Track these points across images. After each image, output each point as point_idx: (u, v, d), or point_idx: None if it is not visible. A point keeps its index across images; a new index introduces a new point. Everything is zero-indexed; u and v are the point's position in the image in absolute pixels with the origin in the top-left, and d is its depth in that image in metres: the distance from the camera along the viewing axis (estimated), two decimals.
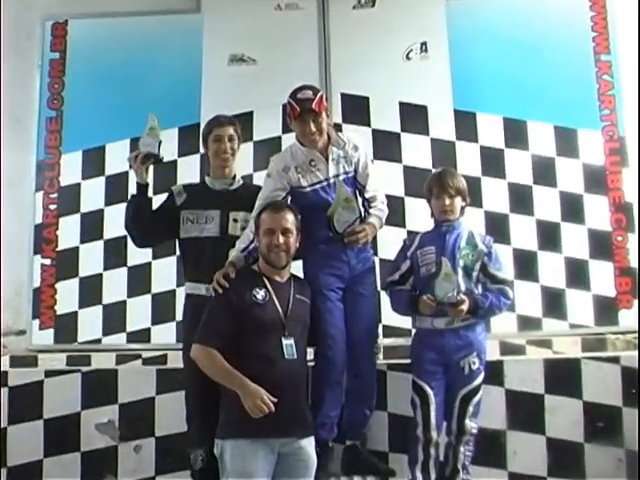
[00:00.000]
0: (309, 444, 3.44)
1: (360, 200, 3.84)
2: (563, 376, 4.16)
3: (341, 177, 3.77)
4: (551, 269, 4.72)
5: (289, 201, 3.75)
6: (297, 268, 3.75)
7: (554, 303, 4.68)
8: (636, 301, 4.59)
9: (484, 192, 4.80)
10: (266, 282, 3.51)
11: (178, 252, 4.12)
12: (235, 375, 3.33)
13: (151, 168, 3.91)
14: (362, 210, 3.80)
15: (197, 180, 4.40)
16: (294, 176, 3.76)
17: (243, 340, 3.41)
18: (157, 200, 3.99)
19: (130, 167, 3.98)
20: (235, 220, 3.81)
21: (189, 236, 3.85)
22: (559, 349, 4.53)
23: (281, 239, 3.49)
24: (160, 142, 3.83)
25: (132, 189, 3.97)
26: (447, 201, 3.76)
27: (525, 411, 4.14)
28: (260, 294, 3.47)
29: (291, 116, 3.76)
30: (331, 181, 3.76)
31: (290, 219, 3.54)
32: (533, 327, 4.66)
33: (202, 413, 3.62)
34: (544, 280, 4.71)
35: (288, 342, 3.42)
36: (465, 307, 3.63)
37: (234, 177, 3.97)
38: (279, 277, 3.55)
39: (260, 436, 3.30)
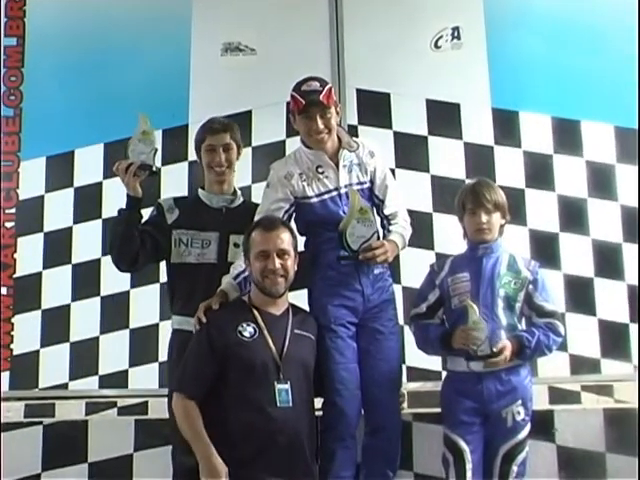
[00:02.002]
0: None
1: (378, 218, 3.79)
2: (627, 430, 4.05)
3: (354, 187, 3.71)
4: (611, 300, 4.70)
5: (293, 215, 3.73)
6: (299, 299, 3.71)
7: (615, 341, 4.65)
8: None
9: (529, 207, 4.82)
10: (256, 315, 3.48)
11: (162, 279, 4.09)
12: (203, 442, 3.32)
13: None
14: (380, 229, 3.75)
15: (184, 193, 4.39)
16: (298, 184, 3.72)
17: (229, 383, 3.39)
18: None
19: (106, 177, 3.90)
20: (236, 245, 3.77)
21: (181, 262, 3.81)
22: (622, 397, 4.49)
23: (277, 262, 3.46)
24: (155, 150, 3.77)
25: (106, 203, 3.93)
26: (484, 218, 3.68)
27: (581, 473, 4.06)
28: (248, 330, 3.44)
29: (295, 111, 3.73)
30: (342, 191, 3.71)
31: (286, 238, 3.51)
32: (590, 370, 4.64)
33: (191, 472, 3.44)
34: (602, 313, 4.69)
35: (282, 387, 3.38)
36: (508, 353, 3.54)
37: (234, 192, 3.95)
38: (274, 309, 3.52)
39: None
